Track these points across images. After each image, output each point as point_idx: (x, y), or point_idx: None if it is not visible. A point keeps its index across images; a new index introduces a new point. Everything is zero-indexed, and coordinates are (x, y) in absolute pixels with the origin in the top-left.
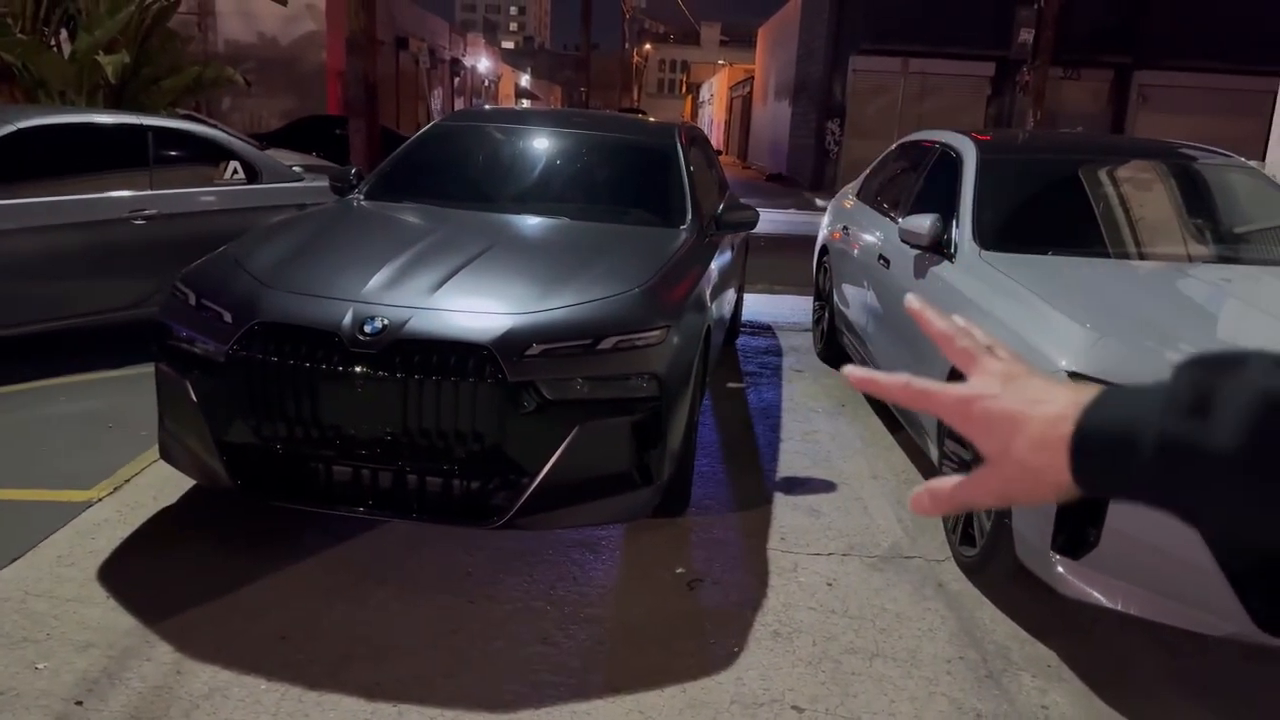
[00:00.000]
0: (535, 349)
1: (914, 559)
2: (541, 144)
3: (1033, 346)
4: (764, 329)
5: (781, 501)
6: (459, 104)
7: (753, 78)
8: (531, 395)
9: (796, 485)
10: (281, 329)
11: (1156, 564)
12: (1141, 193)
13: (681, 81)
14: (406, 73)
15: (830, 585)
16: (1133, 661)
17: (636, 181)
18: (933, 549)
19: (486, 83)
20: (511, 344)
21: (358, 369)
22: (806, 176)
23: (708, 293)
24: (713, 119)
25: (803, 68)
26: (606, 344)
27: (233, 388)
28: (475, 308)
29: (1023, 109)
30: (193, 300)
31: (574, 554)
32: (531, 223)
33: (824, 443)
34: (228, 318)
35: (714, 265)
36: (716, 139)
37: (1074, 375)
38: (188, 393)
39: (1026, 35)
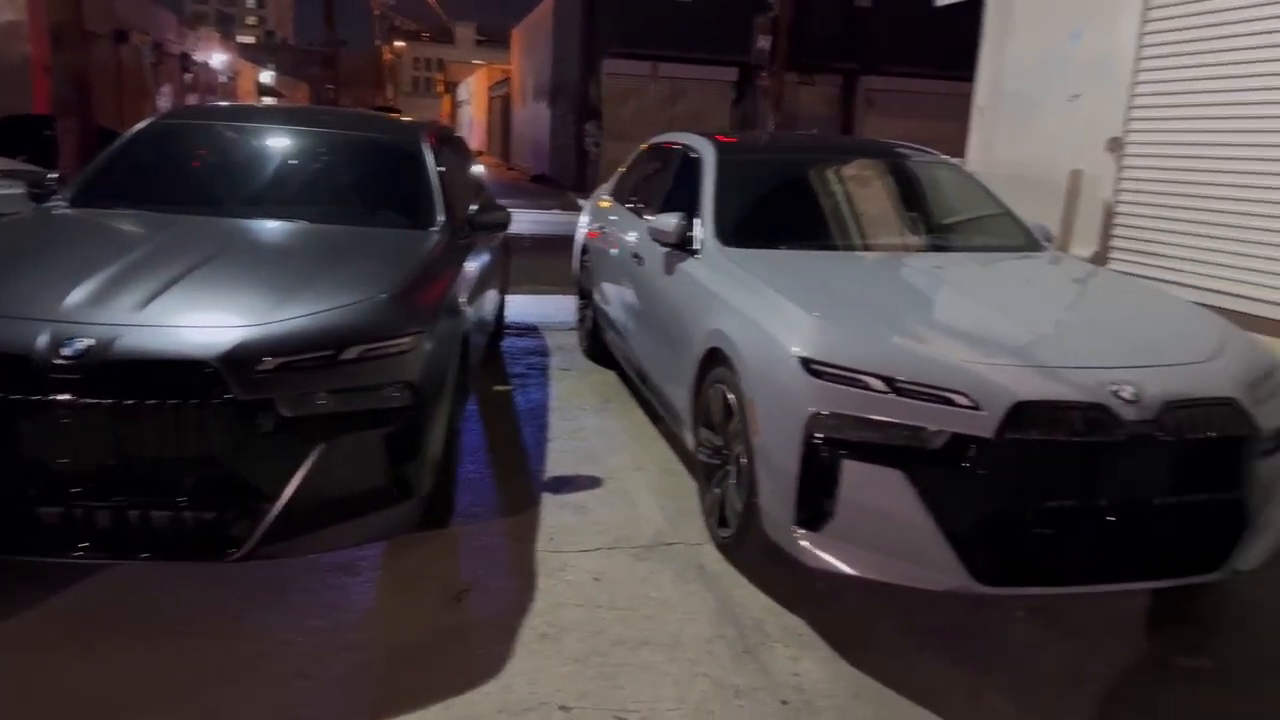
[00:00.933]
0: (269, 363)
1: (676, 545)
2: (276, 142)
3: (770, 335)
4: (530, 330)
5: (549, 501)
6: (191, 101)
7: (510, 78)
8: (267, 414)
9: (564, 484)
10: None
11: (886, 529)
12: (863, 189)
13: (438, 81)
14: (129, 68)
15: (598, 580)
16: (875, 622)
17: (382, 182)
18: (693, 534)
19: (223, 79)
20: (241, 359)
21: (59, 396)
22: (569, 178)
23: (464, 295)
24: (472, 119)
25: (558, 69)
26: (351, 354)
27: None
28: (198, 321)
29: (763, 113)
30: None
31: (330, 579)
32: (265, 227)
33: (590, 439)
34: None
35: (470, 267)
36: (477, 140)
37: (805, 361)
38: None
39: (764, 42)
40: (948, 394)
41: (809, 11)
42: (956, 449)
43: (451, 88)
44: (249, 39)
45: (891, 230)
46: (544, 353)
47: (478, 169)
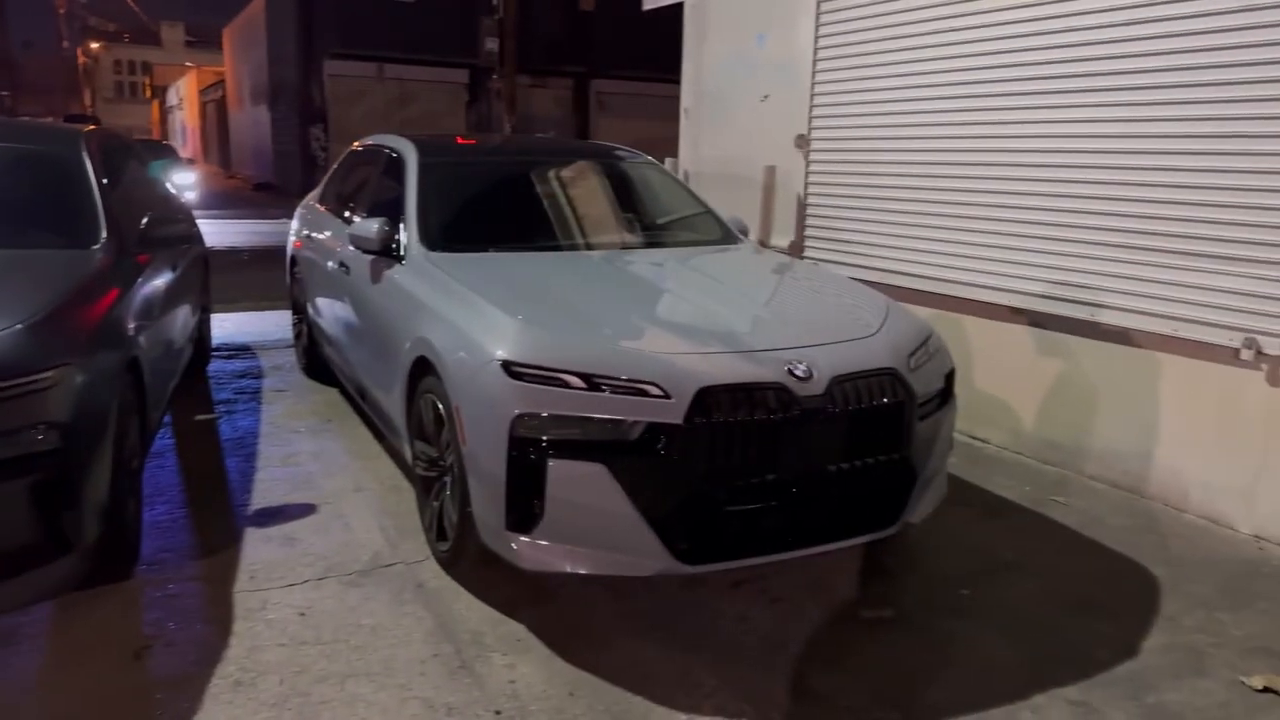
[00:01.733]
0: None
1: (394, 565)
2: None
3: (472, 340)
4: (243, 350)
5: (253, 536)
6: None
7: (225, 81)
8: None
9: (272, 515)
10: None
11: (593, 523)
12: (571, 191)
13: (145, 85)
14: None
15: (303, 615)
16: (591, 616)
17: (33, 197)
18: (413, 551)
19: None
20: None
21: None
22: (296, 185)
23: (134, 318)
24: (185, 125)
25: (276, 71)
26: None
27: None
28: None
29: (499, 115)
30: None
31: None
32: None
33: (306, 464)
34: None
35: (146, 287)
36: (192, 147)
37: (506, 364)
38: None
39: (492, 44)
40: (641, 385)
41: (536, 15)
42: (652, 438)
43: (160, 92)
44: None
45: (598, 230)
46: (258, 374)
47: (188, 178)
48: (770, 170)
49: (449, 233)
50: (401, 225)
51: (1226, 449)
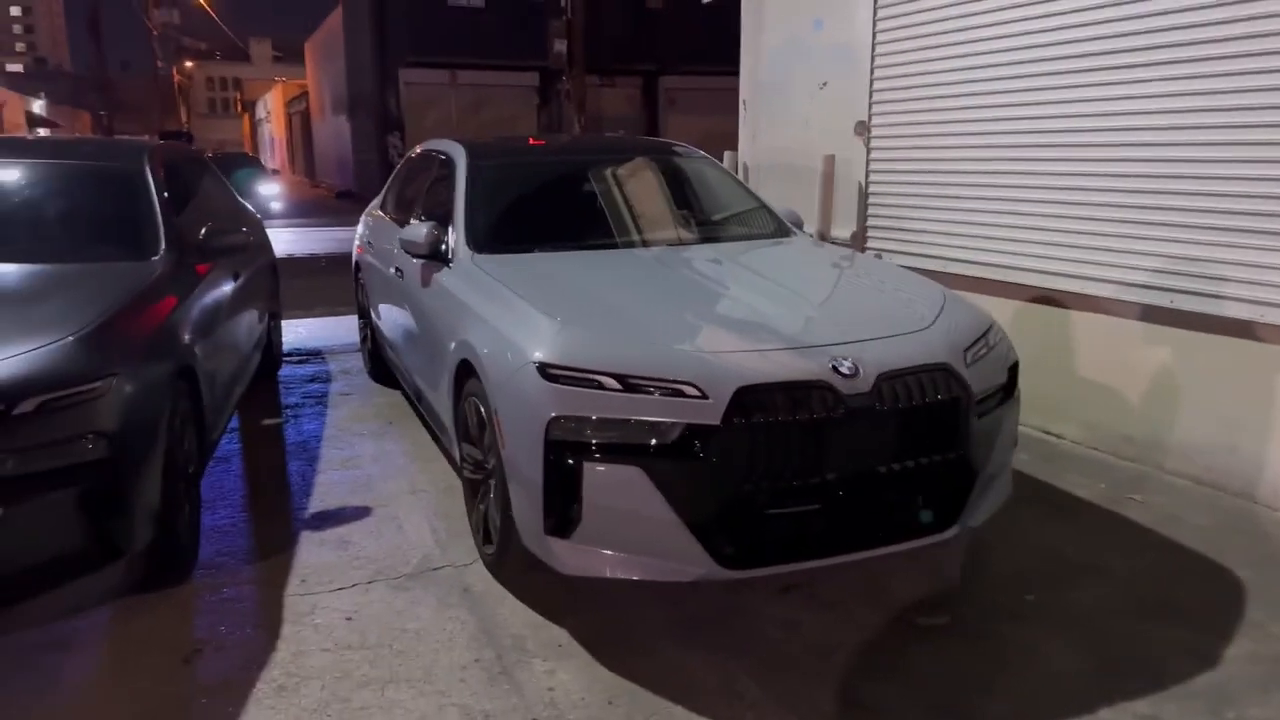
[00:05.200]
0: None
1: (443, 569)
2: None
3: (510, 342)
4: (314, 355)
5: (308, 540)
6: None
7: (308, 93)
8: None
9: (328, 519)
10: None
11: (632, 527)
12: (624, 188)
13: (236, 100)
14: None
15: (350, 619)
16: (634, 622)
17: (95, 212)
18: (462, 554)
19: None
20: None
21: None
22: (375, 191)
23: (186, 329)
24: (273, 137)
25: (355, 82)
26: (27, 406)
27: None
28: None
29: (569, 116)
30: None
31: (39, 658)
32: None
33: (366, 466)
34: None
35: (206, 297)
36: (279, 158)
37: (541, 366)
38: None
39: (560, 46)
40: (678, 385)
41: (605, 15)
42: (690, 440)
43: (250, 106)
44: (16, 67)
45: (646, 227)
46: (325, 379)
47: (273, 189)
48: (830, 159)
49: (496, 234)
50: (450, 228)
51: None
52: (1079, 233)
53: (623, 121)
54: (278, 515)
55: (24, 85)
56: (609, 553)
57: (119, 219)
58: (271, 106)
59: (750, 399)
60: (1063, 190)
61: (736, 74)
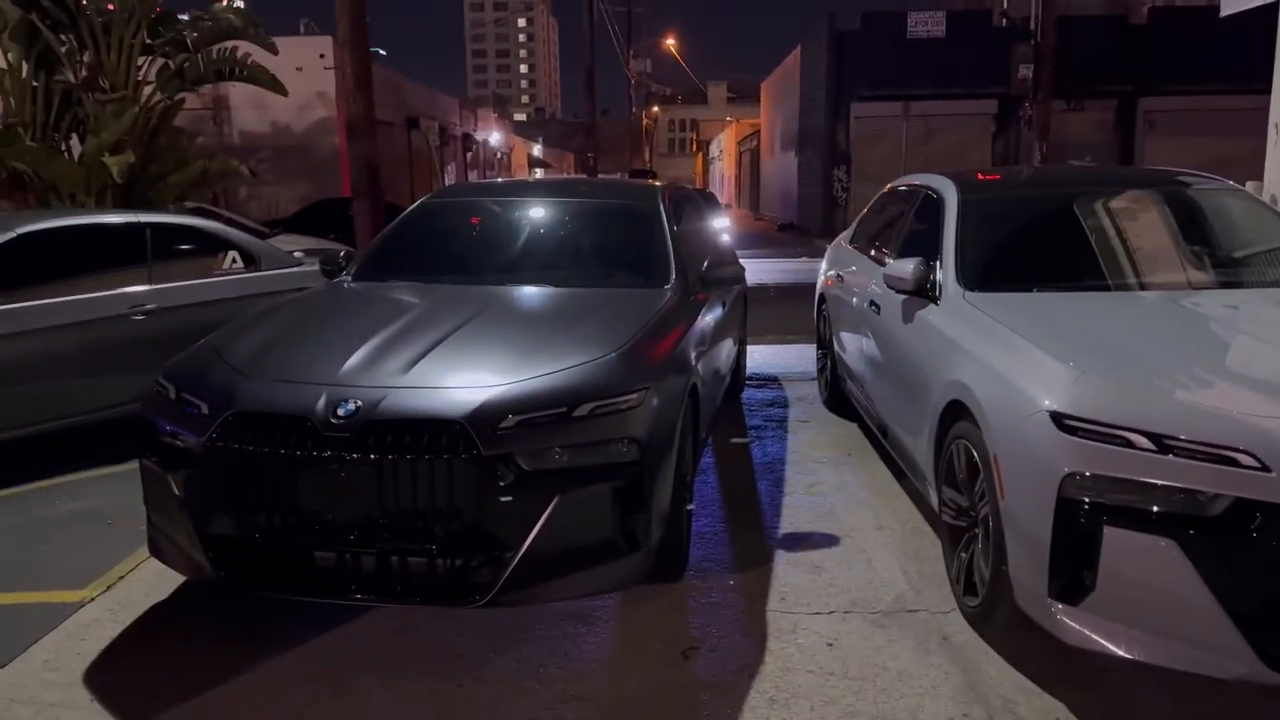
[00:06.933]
0: (510, 421)
1: (919, 613)
2: (525, 214)
3: (1016, 387)
4: (771, 381)
5: (783, 559)
6: (473, 177)
7: (759, 131)
8: (508, 468)
9: (798, 541)
10: (257, 417)
11: (1157, 605)
12: (1130, 223)
13: (691, 140)
14: (420, 151)
15: (830, 646)
16: (1144, 709)
17: (619, 245)
18: (938, 601)
19: (499, 155)
20: (485, 417)
21: (332, 453)
22: (817, 225)
23: (693, 351)
24: (723, 174)
25: (806, 118)
26: (583, 410)
27: (212, 479)
28: (449, 382)
29: (1028, 143)
30: (173, 394)
31: (566, 627)
32: (514, 293)
33: (828, 495)
34: (205, 409)
35: (702, 322)
36: (727, 193)
37: (1055, 416)
38: (170, 487)
39: (1026, 71)
40: (1229, 453)
41: (1076, 35)
42: (1241, 516)
43: (704, 145)
44: (521, 116)
45: (1158, 267)
46: (783, 404)
47: (724, 222)
48: None
49: (988, 272)
50: (937, 264)
51: None
52: None
53: (1088, 147)
54: (752, 530)
55: (526, 131)
56: (1123, 628)
57: (640, 251)
58: (724, 145)
59: None
60: None
61: (1235, 92)
